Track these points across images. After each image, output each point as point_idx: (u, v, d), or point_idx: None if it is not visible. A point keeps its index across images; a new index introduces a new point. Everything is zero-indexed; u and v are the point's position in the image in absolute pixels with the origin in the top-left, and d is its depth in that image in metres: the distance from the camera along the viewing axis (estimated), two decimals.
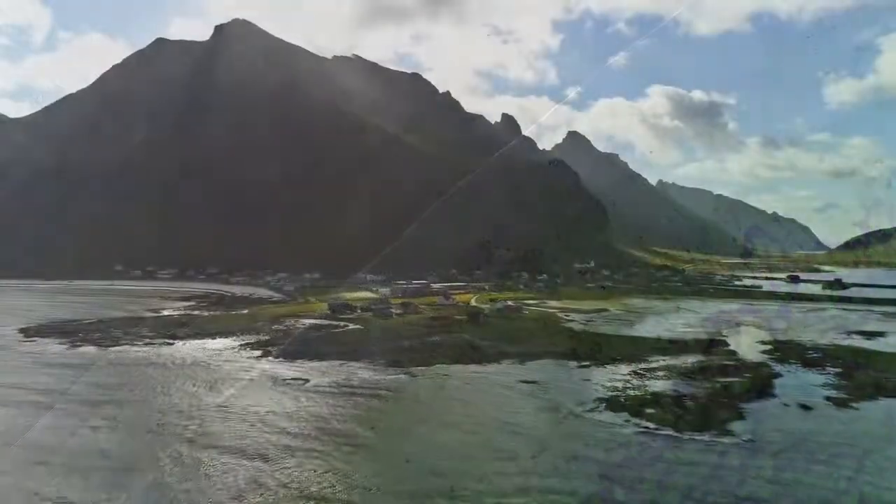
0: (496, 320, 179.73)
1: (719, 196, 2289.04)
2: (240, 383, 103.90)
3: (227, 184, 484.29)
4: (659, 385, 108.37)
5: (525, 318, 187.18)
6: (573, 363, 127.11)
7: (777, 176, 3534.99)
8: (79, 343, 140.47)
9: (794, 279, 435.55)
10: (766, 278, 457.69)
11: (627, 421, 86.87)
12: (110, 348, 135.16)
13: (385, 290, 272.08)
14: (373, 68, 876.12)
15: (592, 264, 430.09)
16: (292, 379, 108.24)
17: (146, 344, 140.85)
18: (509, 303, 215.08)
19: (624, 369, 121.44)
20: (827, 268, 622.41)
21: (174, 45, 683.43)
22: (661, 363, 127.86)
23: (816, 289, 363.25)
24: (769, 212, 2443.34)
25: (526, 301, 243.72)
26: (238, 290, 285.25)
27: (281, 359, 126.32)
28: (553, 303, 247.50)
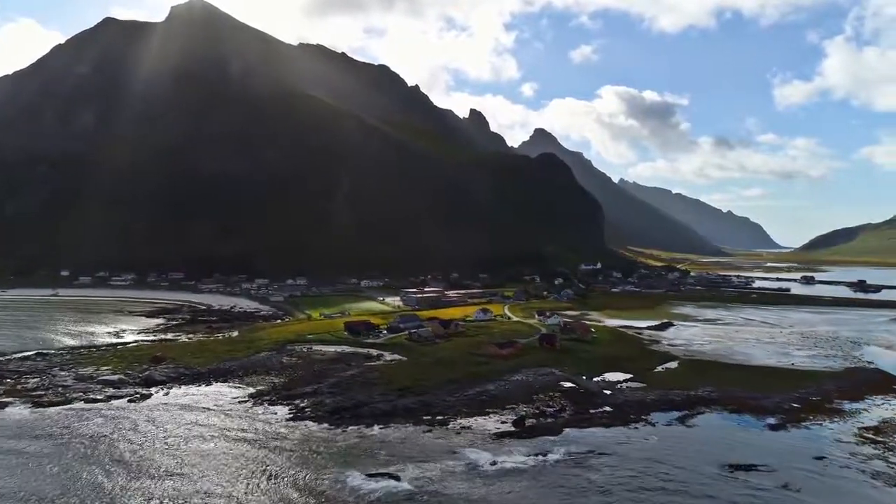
0: (571, 344, 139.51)
1: (678, 195, 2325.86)
2: None
3: (187, 178, 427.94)
4: None
5: (602, 341, 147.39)
6: (751, 419, 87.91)
7: (727, 176, 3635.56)
8: (3, 399, 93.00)
9: (809, 280, 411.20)
10: (777, 279, 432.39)
11: None
12: (51, 409, 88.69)
13: (394, 300, 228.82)
14: (341, 58, 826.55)
15: (599, 265, 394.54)
16: (372, 476, 64.94)
17: (109, 398, 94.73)
18: (563, 319, 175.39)
19: (836, 430, 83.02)
20: (824, 267, 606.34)
21: (124, 26, 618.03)
22: (871, 416, 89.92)
23: (845, 291, 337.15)
24: (724, 210, 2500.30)
25: (565, 312, 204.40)
26: (214, 301, 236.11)
27: (326, 424, 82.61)
28: (599, 314, 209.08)
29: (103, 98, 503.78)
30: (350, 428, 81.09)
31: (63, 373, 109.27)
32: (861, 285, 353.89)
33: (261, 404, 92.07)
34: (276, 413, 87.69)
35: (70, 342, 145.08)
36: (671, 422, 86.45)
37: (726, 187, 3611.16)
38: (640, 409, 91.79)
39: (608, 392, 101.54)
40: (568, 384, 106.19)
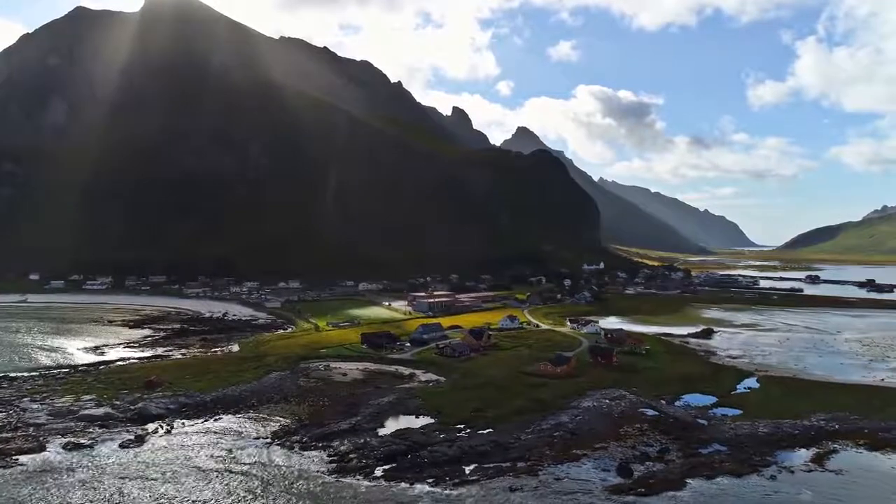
0: (626, 358, 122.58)
1: (656, 194, 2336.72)
2: None
3: (165, 175, 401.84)
4: None
5: (657, 353, 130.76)
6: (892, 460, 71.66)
7: (701, 175, 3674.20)
8: None
9: (815, 279, 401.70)
10: (781, 278, 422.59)
11: None
12: (20, 459, 68.79)
13: (401, 305, 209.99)
14: (323, 52, 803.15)
15: (602, 265, 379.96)
16: None
17: (94, 441, 74.99)
18: (605, 328, 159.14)
19: None
20: (815, 265, 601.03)
21: (96, 16, 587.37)
22: None
23: (856, 290, 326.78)
24: (701, 209, 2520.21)
25: (588, 318, 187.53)
26: (203, 308, 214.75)
27: (382, 480, 64.15)
28: (625, 319, 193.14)
29: (74, 91, 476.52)
30: (416, 486, 62.67)
31: (35, 405, 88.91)
32: (872, 285, 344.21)
33: (290, 448, 73.20)
34: (312, 462, 68.91)
35: (43, 361, 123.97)
36: (807, 465, 69.79)
37: (700, 186, 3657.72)
38: (758, 446, 74.93)
39: (704, 422, 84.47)
40: (650, 412, 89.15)
